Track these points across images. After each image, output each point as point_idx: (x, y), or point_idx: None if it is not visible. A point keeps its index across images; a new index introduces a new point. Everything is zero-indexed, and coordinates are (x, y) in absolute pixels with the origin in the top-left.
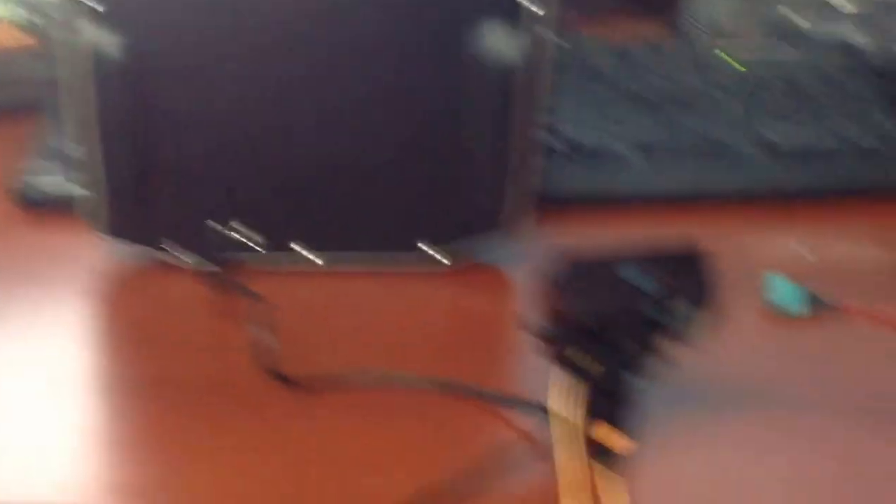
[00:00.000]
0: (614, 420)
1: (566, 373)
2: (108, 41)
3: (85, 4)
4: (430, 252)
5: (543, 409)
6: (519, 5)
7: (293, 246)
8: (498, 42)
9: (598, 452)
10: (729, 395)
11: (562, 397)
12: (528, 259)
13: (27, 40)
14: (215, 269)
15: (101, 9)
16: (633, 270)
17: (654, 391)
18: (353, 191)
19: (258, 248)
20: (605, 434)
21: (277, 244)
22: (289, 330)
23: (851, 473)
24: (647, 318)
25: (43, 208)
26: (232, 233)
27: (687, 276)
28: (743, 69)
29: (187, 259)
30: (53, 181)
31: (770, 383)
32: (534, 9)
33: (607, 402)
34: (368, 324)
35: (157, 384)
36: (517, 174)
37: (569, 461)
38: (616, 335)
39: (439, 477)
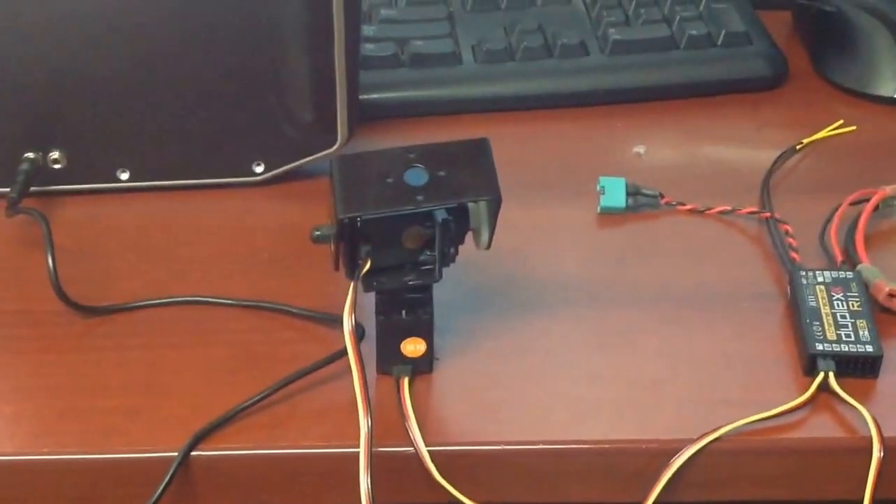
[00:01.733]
0: (413, 326)
1: (357, 280)
2: None
3: None
4: (255, 168)
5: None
6: None
7: (118, 175)
8: None
9: (401, 361)
10: (542, 295)
11: (352, 307)
12: None
13: None
14: (15, 195)
15: None
16: (417, 169)
17: (460, 294)
18: (176, 119)
19: (71, 175)
20: (406, 342)
21: (95, 172)
22: (96, 253)
23: (668, 363)
24: (432, 217)
25: None
26: (44, 160)
27: (472, 171)
28: None
29: None
30: None
31: (593, 280)
32: None
33: (403, 308)
34: (186, 243)
35: None
36: (342, 88)
37: (361, 373)
38: (401, 236)
39: (242, 396)
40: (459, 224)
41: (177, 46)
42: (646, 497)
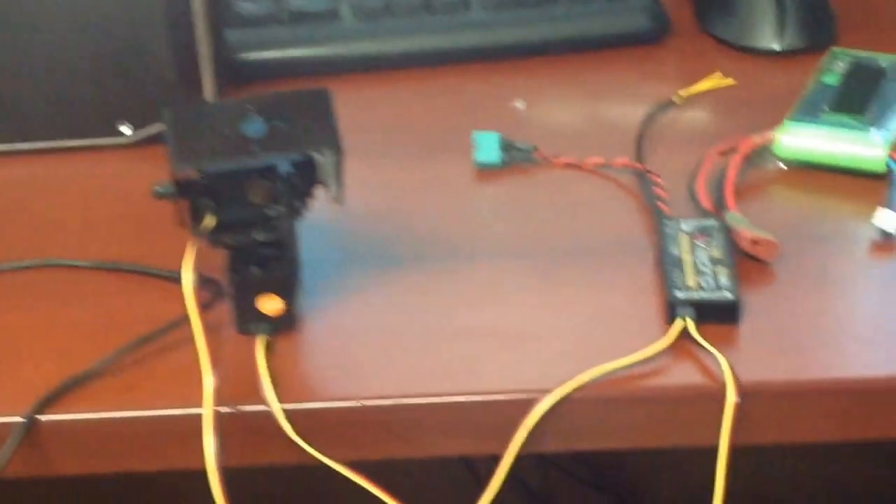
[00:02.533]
0: (268, 283)
1: (200, 238)
2: None
3: None
4: (121, 128)
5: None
6: None
7: None
8: None
9: (259, 319)
10: (415, 251)
11: (191, 263)
12: None
13: None
14: None
15: None
16: (254, 120)
17: (333, 251)
18: (37, 80)
19: None
20: (263, 299)
21: None
22: None
23: (537, 316)
24: (275, 171)
25: None
26: None
27: (312, 122)
28: None
29: None
30: None
31: (467, 235)
32: None
33: (257, 264)
34: (53, 206)
35: None
36: (205, 45)
37: (203, 329)
38: (246, 191)
39: (93, 358)
40: (305, 177)
41: (33, 5)
42: (505, 448)
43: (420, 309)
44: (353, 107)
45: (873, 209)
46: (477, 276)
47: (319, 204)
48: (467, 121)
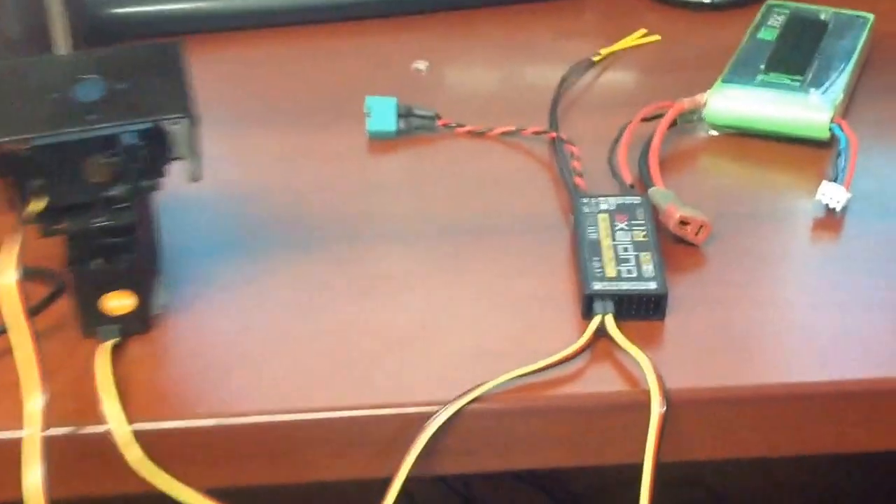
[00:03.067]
0: (114, 278)
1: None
2: None
3: None
4: None
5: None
6: None
7: None
8: None
9: (106, 320)
10: (295, 235)
11: (16, 257)
12: None
13: None
14: None
15: None
16: (90, 81)
17: (199, 236)
18: None
19: None
20: (108, 297)
21: None
22: None
23: (434, 310)
24: (115, 143)
25: None
26: None
27: (159, 84)
28: None
29: None
30: None
31: (356, 216)
32: None
33: (100, 256)
34: None
35: None
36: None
37: (32, 337)
38: (82, 168)
39: None
40: (154, 151)
41: None
42: (397, 469)
43: (300, 305)
44: (231, 67)
45: (816, 182)
46: (366, 266)
47: (183, 182)
48: (360, 85)
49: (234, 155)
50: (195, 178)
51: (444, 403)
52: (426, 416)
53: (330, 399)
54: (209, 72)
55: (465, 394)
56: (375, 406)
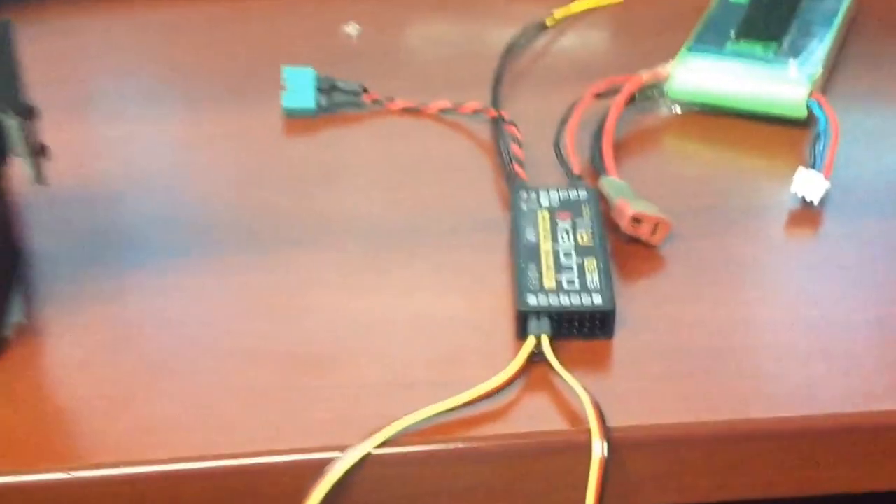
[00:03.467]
0: None
1: None
2: None
3: None
4: None
5: None
6: None
7: None
8: None
9: None
10: (183, 239)
11: None
12: None
13: None
14: None
15: None
16: None
17: (72, 242)
18: None
19: None
20: None
21: None
22: None
23: (339, 332)
24: None
25: None
26: None
27: None
28: None
29: None
30: None
31: (260, 214)
32: None
33: None
34: None
35: None
36: None
37: None
38: None
39: None
40: None
41: None
42: None
43: (182, 325)
44: (115, 34)
45: (792, 168)
46: (267, 277)
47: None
48: (278, 52)
49: (118, 141)
50: (38, 181)
51: (346, 448)
52: (324, 464)
53: (207, 445)
54: (87, 40)
55: (371, 435)
56: (262, 453)
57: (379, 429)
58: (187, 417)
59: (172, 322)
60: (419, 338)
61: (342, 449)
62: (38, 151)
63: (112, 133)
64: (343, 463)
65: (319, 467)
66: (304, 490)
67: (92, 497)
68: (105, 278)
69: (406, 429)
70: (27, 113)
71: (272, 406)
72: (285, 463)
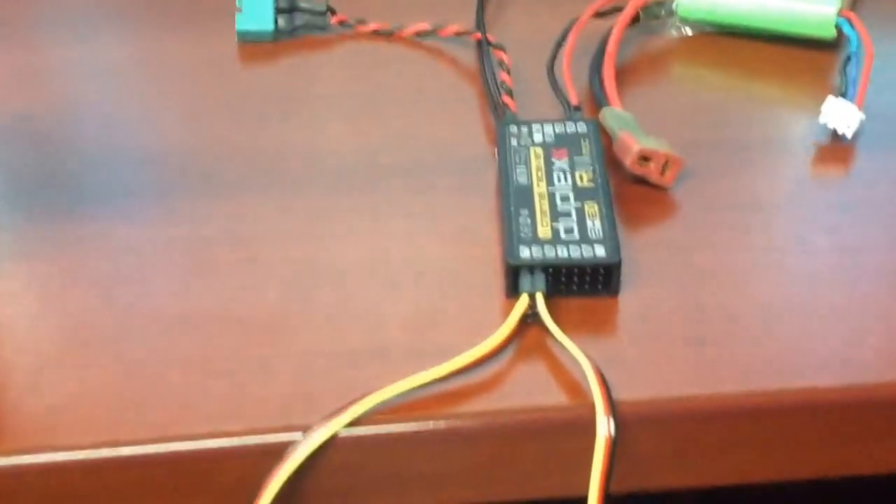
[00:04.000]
0: None
1: None
2: None
3: None
4: None
5: None
6: None
7: None
8: None
9: None
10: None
11: None
12: None
13: None
14: None
15: None
16: None
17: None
18: None
19: None
20: None
21: None
22: None
23: (301, 292)
24: None
25: None
26: None
27: None
28: None
29: None
30: None
31: (209, 157)
32: None
33: None
34: None
35: None
36: None
37: None
38: None
39: None
40: None
41: None
42: None
43: (116, 279)
44: None
45: (818, 97)
46: (217, 224)
47: None
48: None
49: (50, 68)
50: None
51: (311, 428)
52: (283, 448)
53: (142, 427)
54: None
55: (338, 412)
56: (209, 435)
57: (346, 406)
58: (117, 394)
59: (103, 280)
60: (392, 296)
61: (304, 430)
62: None
63: (43, 59)
64: (305, 446)
65: (278, 451)
66: (259, 478)
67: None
68: (29, 226)
69: (378, 405)
70: None
71: (220, 380)
72: (237, 447)
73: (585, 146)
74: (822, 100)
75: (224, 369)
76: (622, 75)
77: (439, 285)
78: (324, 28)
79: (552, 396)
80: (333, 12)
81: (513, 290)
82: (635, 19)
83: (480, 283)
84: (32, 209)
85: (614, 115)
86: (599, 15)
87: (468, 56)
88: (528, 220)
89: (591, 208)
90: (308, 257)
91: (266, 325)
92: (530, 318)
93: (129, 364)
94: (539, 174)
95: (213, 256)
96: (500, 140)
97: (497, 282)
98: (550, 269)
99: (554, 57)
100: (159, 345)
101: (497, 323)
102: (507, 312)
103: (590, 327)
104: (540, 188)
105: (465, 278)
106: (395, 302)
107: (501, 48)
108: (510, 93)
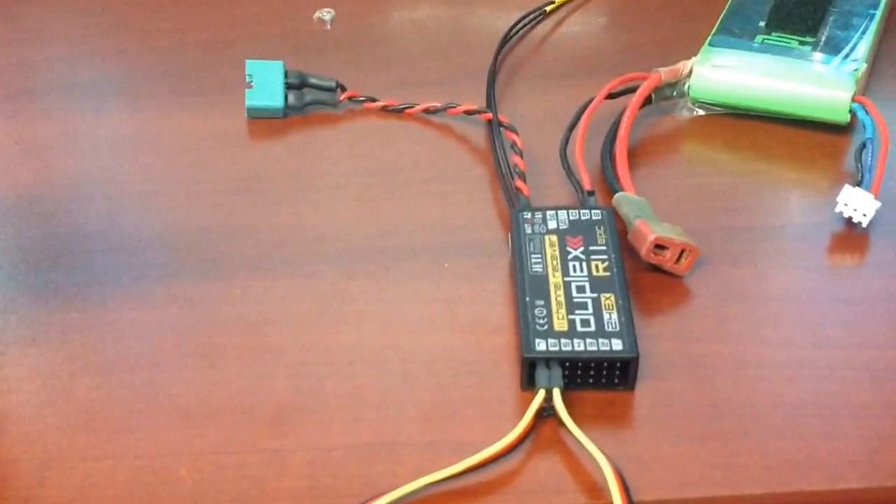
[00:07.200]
0: None
1: None
2: None
3: None
4: None
5: None
6: None
7: None
8: None
9: None
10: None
11: None
12: None
13: None
14: None
15: None
16: None
17: None
18: None
19: None
20: None
21: None
22: None
23: (308, 379)
24: None
25: None
26: None
27: None
28: None
29: None
30: None
31: (215, 237)
32: None
33: None
34: None
35: None
36: None
37: None
38: None
39: None
40: None
41: None
42: None
43: (124, 366)
44: (60, 19)
45: (832, 180)
46: (221, 304)
47: None
48: (240, 43)
49: (55, 141)
50: None
51: None
52: None
53: None
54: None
55: None
56: None
57: (361, 503)
58: (126, 489)
59: (110, 366)
60: (405, 387)
61: None
62: None
63: (48, 131)
64: None
65: None
66: None
67: None
68: (34, 308)
69: (393, 502)
70: None
71: (228, 473)
72: None
73: (601, 234)
74: (837, 184)
75: (235, 462)
76: (634, 157)
77: (453, 375)
78: (334, 105)
79: (569, 494)
80: (343, 89)
81: (528, 383)
82: (648, 100)
83: (495, 373)
84: (39, 292)
85: (628, 200)
86: (612, 96)
87: (479, 134)
88: (544, 312)
89: (608, 300)
90: (318, 344)
91: (277, 415)
92: (546, 412)
93: (138, 457)
94: (554, 263)
95: (221, 342)
96: (514, 227)
97: (512, 371)
98: (567, 363)
99: (566, 140)
100: (169, 436)
101: (512, 414)
102: (522, 403)
103: (606, 422)
104: (556, 278)
105: (480, 368)
106: (408, 393)
107: (513, 129)
108: (523, 177)
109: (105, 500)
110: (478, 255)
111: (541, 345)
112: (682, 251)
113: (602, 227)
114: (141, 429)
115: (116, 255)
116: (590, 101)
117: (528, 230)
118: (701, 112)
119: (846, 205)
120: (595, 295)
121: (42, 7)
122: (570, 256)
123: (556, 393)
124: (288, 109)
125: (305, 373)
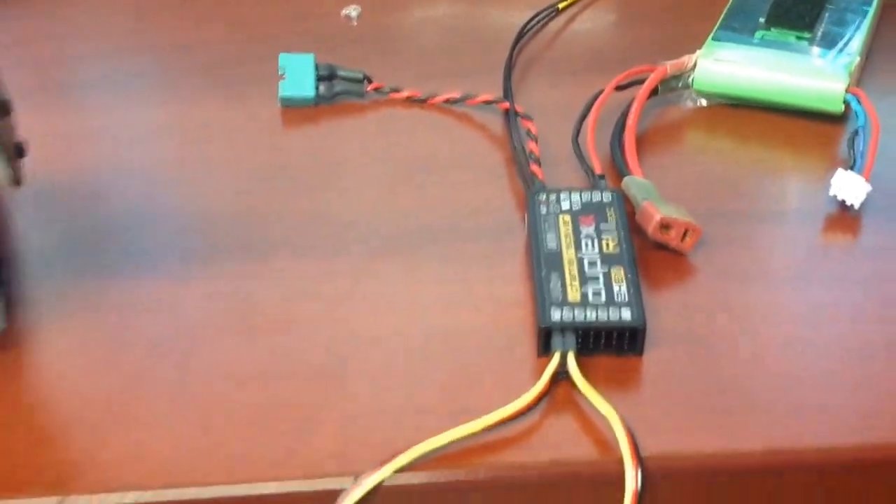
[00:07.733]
0: None
1: None
2: None
3: None
4: None
5: None
6: None
7: None
8: None
9: None
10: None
11: None
12: None
13: None
14: None
15: None
16: None
17: (66, 241)
18: None
19: None
20: None
21: None
22: None
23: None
24: None
25: None
26: None
27: None
28: None
29: None
30: None
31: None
32: None
33: None
34: None
35: None
36: None
37: None
38: None
39: None
40: None
41: None
42: None
43: (170, 339)
44: (101, 16)
45: (827, 167)
46: (258, 282)
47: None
48: (274, 37)
49: (98, 132)
50: (12, 182)
51: (358, 476)
52: (333, 495)
53: (201, 473)
54: (66, 21)
55: (383, 464)
56: (266, 480)
57: (392, 457)
58: (180, 444)
59: (155, 339)
60: (430, 357)
61: (354, 476)
62: (14, 151)
63: (92, 122)
64: (356, 492)
65: (331, 497)
66: None
67: None
68: (85, 286)
69: (419, 457)
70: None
71: (271, 432)
72: (290, 494)
73: (611, 214)
74: (831, 170)
75: (271, 427)
76: (641, 144)
77: (473, 348)
78: (361, 95)
79: (582, 451)
80: (370, 80)
81: (544, 350)
82: (654, 92)
83: (512, 345)
84: (87, 267)
85: (636, 183)
86: (621, 88)
87: (496, 122)
88: (559, 284)
89: (618, 273)
90: (347, 321)
91: (309, 386)
92: (561, 375)
93: (186, 418)
94: (568, 240)
95: (256, 318)
96: (530, 207)
97: (528, 342)
98: (580, 331)
99: (578, 128)
100: (211, 401)
101: (529, 381)
102: (538, 370)
103: (616, 385)
104: (569, 254)
105: (498, 339)
106: (431, 364)
107: (529, 118)
108: (538, 162)
109: (158, 462)
110: (495, 237)
111: (556, 314)
112: (686, 230)
113: (612, 208)
114: (185, 395)
115: (155, 237)
116: (600, 93)
117: (543, 210)
118: (704, 103)
119: (839, 188)
120: (606, 269)
121: (84, 3)
122: (582, 234)
123: (570, 356)
124: (319, 99)
125: (335, 347)
